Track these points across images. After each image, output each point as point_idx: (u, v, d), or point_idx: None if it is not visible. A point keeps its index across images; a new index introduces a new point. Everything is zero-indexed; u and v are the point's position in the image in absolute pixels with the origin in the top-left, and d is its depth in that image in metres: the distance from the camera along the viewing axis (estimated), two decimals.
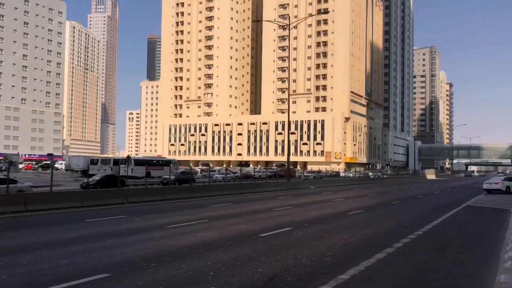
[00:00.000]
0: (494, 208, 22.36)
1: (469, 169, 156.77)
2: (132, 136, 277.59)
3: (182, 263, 8.68)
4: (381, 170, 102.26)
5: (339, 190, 38.89)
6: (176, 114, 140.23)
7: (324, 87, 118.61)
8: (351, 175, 74.48)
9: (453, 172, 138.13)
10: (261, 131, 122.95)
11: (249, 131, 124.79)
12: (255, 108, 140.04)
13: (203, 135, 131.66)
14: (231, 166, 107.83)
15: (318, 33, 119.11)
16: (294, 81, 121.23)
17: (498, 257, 9.08)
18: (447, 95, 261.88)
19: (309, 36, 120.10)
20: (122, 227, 13.69)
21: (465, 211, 20.58)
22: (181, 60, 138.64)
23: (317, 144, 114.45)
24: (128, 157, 52.41)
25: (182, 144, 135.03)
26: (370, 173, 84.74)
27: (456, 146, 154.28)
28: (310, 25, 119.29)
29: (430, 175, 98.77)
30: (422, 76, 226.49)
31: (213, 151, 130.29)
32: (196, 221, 15.05)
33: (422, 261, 9.25)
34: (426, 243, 11.52)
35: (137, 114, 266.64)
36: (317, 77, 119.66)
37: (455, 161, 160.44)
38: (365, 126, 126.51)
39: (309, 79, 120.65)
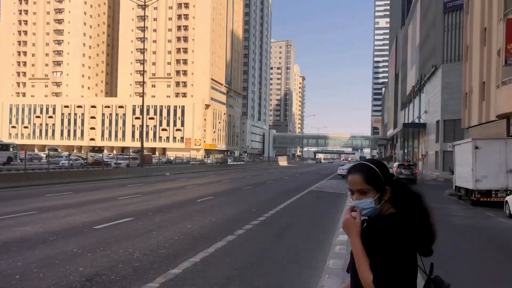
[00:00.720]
0: (334, 192, 24.17)
1: (317, 157, 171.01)
2: None
3: None
4: (229, 156, 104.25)
5: (195, 176, 38.59)
6: (18, 93, 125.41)
7: (185, 72, 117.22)
8: (209, 161, 75.03)
9: (303, 159, 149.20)
10: (117, 115, 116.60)
11: (103, 114, 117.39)
12: (111, 90, 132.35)
13: (50, 117, 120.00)
14: (82, 151, 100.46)
15: (179, 17, 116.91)
16: (154, 64, 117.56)
17: (331, 242, 9.41)
18: (300, 87, 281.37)
19: (170, 19, 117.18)
20: None
21: (308, 196, 21.80)
22: (25, 33, 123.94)
23: (177, 130, 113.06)
24: None
25: (26, 127, 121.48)
26: (209, 160, 77.95)
27: (306, 135, 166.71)
28: (171, 7, 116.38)
29: (283, 162, 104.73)
30: (278, 68, 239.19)
31: (62, 135, 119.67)
32: (22, 213, 13.08)
33: (260, 248, 9.14)
34: (268, 229, 11.58)
35: None
36: (178, 61, 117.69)
37: (305, 149, 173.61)
38: (224, 113, 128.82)
39: (169, 63, 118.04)
